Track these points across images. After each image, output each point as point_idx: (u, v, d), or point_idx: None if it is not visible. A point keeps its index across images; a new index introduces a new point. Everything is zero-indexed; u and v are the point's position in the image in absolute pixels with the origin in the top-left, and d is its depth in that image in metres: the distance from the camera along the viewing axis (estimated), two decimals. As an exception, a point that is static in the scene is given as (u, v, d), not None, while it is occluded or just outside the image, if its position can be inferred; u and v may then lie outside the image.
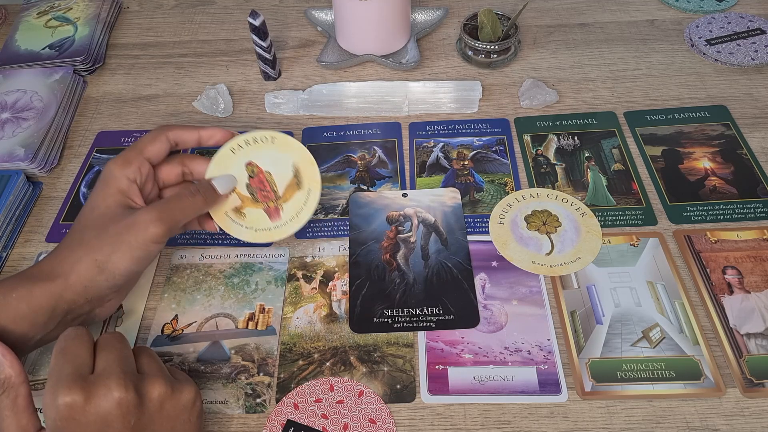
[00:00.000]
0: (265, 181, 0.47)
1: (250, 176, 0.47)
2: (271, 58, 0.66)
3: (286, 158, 0.47)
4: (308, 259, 0.52)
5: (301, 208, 0.47)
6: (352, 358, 0.46)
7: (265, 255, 0.52)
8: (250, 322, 0.48)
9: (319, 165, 0.59)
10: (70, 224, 0.55)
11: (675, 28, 0.71)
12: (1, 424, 0.35)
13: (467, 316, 0.47)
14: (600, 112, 0.62)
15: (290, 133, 0.62)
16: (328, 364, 0.45)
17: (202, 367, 0.46)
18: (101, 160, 0.61)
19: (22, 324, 0.39)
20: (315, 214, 0.53)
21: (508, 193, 0.55)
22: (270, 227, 0.47)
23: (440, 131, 0.61)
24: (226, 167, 0.47)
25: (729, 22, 0.69)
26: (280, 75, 0.69)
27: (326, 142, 0.61)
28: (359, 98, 0.64)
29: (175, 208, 0.43)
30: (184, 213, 0.43)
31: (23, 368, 0.36)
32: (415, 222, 0.53)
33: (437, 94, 0.63)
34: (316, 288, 0.50)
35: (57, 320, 0.40)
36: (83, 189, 0.58)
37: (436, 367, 0.45)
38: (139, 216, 0.41)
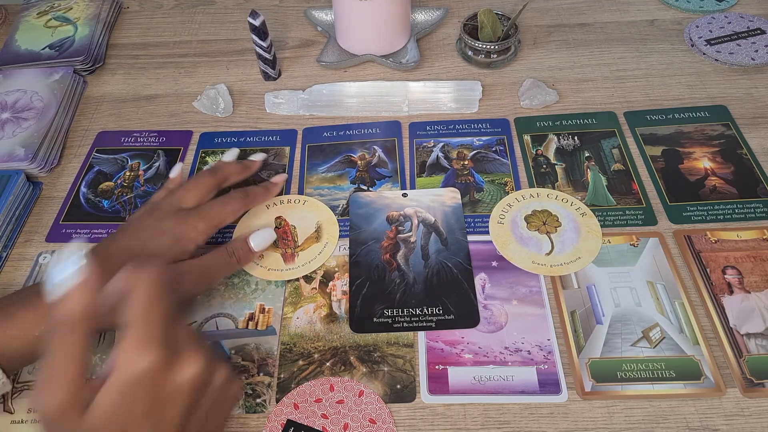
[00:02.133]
0: (289, 232, 0.53)
1: (276, 227, 0.54)
2: (271, 58, 0.66)
3: (313, 216, 0.54)
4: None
5: (314, 257, 0.52)
6: (352, 358, 0.46)
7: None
8: (250, 322, 0.48)
9: (319, 165, 0.59)
10: (71, 224, 0.55)
11: (675, 28, 0.71)
12: (55, 360, 0.31)
13: (467, 316, 0.47)
14: (600, 112, 0.62)
15: (293, 132, 0.62)
16: (328, 364, 0.45)
17: (202, 367, 0.46)
18: (101, 160, 0.61)
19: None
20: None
21: (508, 193, 0.55)
22: (283, 269, 0.51)
23: (440, 131, 0.61)
24: (258, 217, 0.54)
25: (729, 22, 0.69)
26: (280, 75, 0.69)
27: (326, 142, 0.61)
28: (359, 98, 0.64)
29: (211, 268, 0.46)
30: (219, 273, 0.47)
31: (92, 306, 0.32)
32: (415, 222, 0.53)
33: (437, 94, 0.63)
34: (316, 288, 0.50)
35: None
36: (83, 189, 0.58)
37: (436, 367, 0.45)
38: (177, 269, 0.43)
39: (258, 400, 0.44)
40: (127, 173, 0.59)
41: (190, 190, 0.50)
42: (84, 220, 0.56)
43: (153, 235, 0.45)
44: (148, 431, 0.31)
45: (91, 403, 0.31)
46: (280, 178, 0.56)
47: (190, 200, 0.49)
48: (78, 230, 0.55)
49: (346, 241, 0.53)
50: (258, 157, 0.57)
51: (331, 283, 0.50)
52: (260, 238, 0.49)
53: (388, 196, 0.55)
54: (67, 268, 0.31)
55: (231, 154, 0.55)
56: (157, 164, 0.60)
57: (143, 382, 0.31)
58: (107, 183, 0.59)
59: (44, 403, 0.30)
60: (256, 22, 0.62)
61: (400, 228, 0.53)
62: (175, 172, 0.53)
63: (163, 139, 0.62)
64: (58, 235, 0.55)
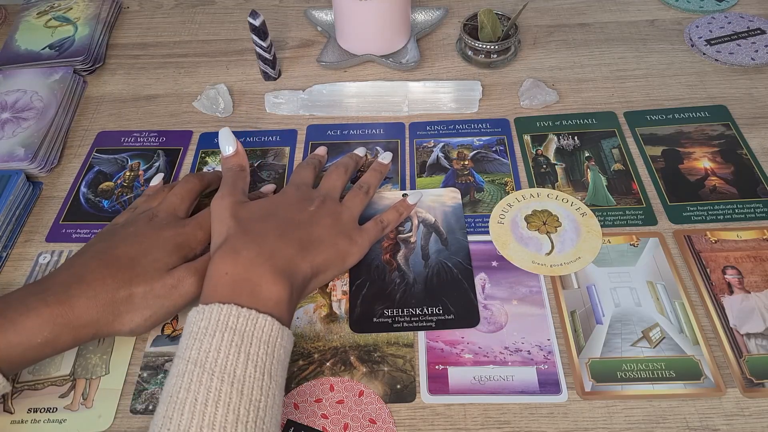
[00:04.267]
0: None
1: None
2: (271, 58, 0.66)
3: None
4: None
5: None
6: (352, 358, 0.46)
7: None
8: (250, 322, 0.48)
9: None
10: (71, 224, 0.55)
11: (675, 28, 0.71)
12: (235, 182, 0.50)
13: (467, 316, 0.47)
14: (600, 112, 0.62)
15: (293, 132, 0.62)
16: (328, 364, 0.45)
17: (202, 367, 0.46)
18: (101, 160, 0.61)
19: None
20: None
21: (508, 193, 0.55)
22: None
23: (440, 131, 0.61)
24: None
25: (729, 22, 0.69)
26: (280, 75, 0.69)
27: (330, 141, 0.61)
28: (359, 98, 0.64)
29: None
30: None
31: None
32: (416, 222, 0.53)
33: (437, 94, 0.63)
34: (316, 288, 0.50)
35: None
36: (83, 189, 0.58)
37: (436, 367, 0.45)
38: (178, 274, 0.44)
39: (258, 400, 0.44)
40: (127, 173, 0.59)
41: (181, 197, 0.50)
42: (84, 220, 0.56)
43: (155, 244, 0.45)
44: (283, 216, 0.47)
45: (249, 203, 0.48)
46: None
47: (183, 207, 0.50)
48: (78, 230, 0.55)
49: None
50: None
51: (331, 283, 0.50)
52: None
53: (388, 197, 0.55)
54: (229, 141, 0.52)
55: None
56: (157, 164, 0.60)
57: (287, 188, 0.51)
58: (107, 183, 0.59)
59: (221, 202, 0.47)
60: (256, 22, 0.62)
61: (400, 228, 0.53)
62: (156, 181, 0.55)
63: (163, 139, 0.62)
64: (58, 235, 0.55)
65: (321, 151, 0.58)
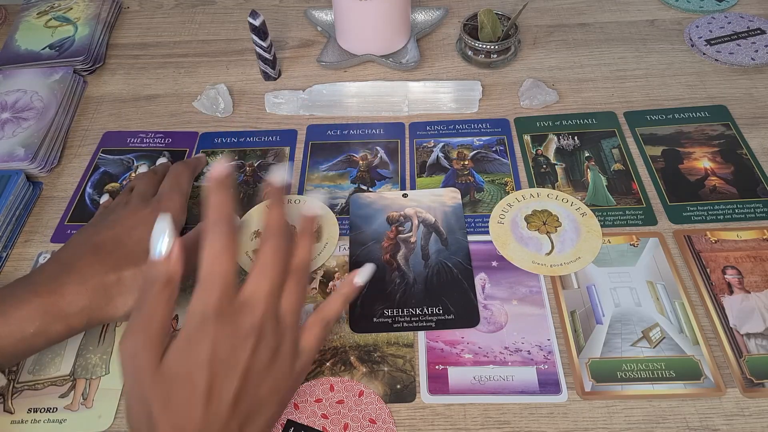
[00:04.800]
0: None
1: None
2: (271, 58, 0.66)
3: None
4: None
5: (314, 257, 0.51)
6: (352, 358, 0.46)
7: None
8: (250, 322, 0.48)
9: (321, 163, 0.59)
10: (76, 225, 0.55)
11: (675, 28, 0.71)
12: (145, 309, 0.35)
13: (467, 316, 0.47)
14: (600, 112, 0.62)
15: (293, 132, 0.62)
16: (328, 364, 0.45)
17: (202, 367, 0.46)
18: (107, 160, 0.61)
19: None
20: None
21: (508, 193, 0.55)
22: None
23: (440, 131, 0.61)
24: (257, 218, 0.53)
25: (729, 22, 0.69)
26: (280, 75, 0.69)
27: (329, 141, 0.61)
28: (359, 98, 0.64)
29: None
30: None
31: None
32: (416, 222, 0.53)
33: (437, 94, 0.63)
34: (316, 288, 0.50)
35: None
36: (89, 189, 0.58)
37: (436, 367, 0.45)
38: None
39: (258, 400, 0.44)
40: (133, 174, 0.59)
41: (144, 179, 0.51)
42: (86, 219, 0.56)
43: (136, 224, 0.45)
44: (212, 377, 0.34)
45: (168, 349, 0.35)
46: (201, 156, 0.58)
47: (150, 188, 0.50)
48: (80, 230, 0.55)
49: (346, 241, 0.53)
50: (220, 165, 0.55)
51: (331, 283, 0.50)
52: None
53: (388, 197, 0.55)
54: (162, 239, 0.37)
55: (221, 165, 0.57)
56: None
57: (208, 324, 0.35)
58: (113, 184, 0.59)
59: (130, 346, 0.35)
60: (256, 22, 0.62)
61: (400, 228, 0.53)
62: (105, 198, 0.56)
63: (169, 141, 0.62)
64: (63, 237, 0.54)
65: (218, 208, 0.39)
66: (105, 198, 0.56)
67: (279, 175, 0.40)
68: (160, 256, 0.36)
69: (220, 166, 0.38)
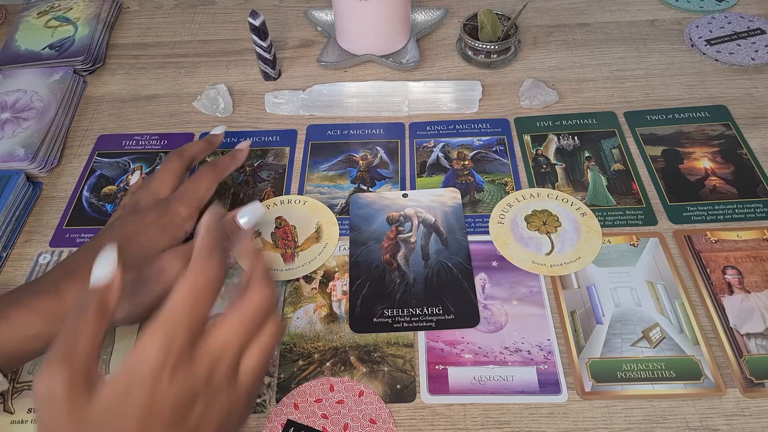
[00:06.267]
0: (289, 232, 0.53)
1: (276, 227, 0.54)
2: (271, 58, 0.66)
3: (313, 218, 0.54)
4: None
5: (314, 257, 0.51)
6: (352, 358, 0.46)
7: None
8: (250, 322, 0.48)
9: (321, 163, 0.59)
10: (75, 229, 0.55)
11: (675, 28, 0.71)
12: (68, 335, 0.30)
13: (467, 316, 0.47)
14: (600, 112, 0.62)
15: (293, 132, 0.62)
16: (328, 364, 0.45)
17: (202, 367, 0.46)
18: (103, 164, 0.61)
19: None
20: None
21: (508, 193, 0.55)
22: (282, 269, 0.51)
23: (440, 131, 0.61)
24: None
25: (729, 22, 0.69)
26: (280, 75, 0.69)
27: (329, 141, 0.61)
28: (359, 98, 0.64)
29: None
30: None
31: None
32: (416, 222, 0.53)
33: (437, 94, 0.63)
34: (316, 288, 0.50)
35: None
36: (86, 193, 0.58)
37: (436, 367, 0.45)
38: (165, 259, 0.43)
39: (258, 400, 0.44)
40: (130, 177, 0.59)
41: (161, 179, 0.49)
42: (88, 224, 0.55)
43: (139, 231, 0.45)
44: None
45: (97, 392, 0.29)
46: (244, 144, 0.54)
47: (165, 189, 0.48)
48: (82, 234, 0.55)
49: (346, 241, 0.53)
50: (219, 130, 0.55)
51: (331, 283, 0.50)
52: (248, 214, 0.42)
53: (388, 197, 0.55)
54: (104, 264, 0.33)
55: (219, 129, 0.56)
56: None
57: (158, 376, 0.29)
58: (110, 187, 0.59)
59: (48, 381, 0.28)
60: (256, 22, 0.62)
61: (400, 228, 0.53)
62: (135, 179, 0.54)
63: (164, 142, 0.62)
64: (62, 240, 0.54)
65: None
66: (136, 177, 0.55)
67: (251, 216, 0.41)
68: (98, 282, 0.32)
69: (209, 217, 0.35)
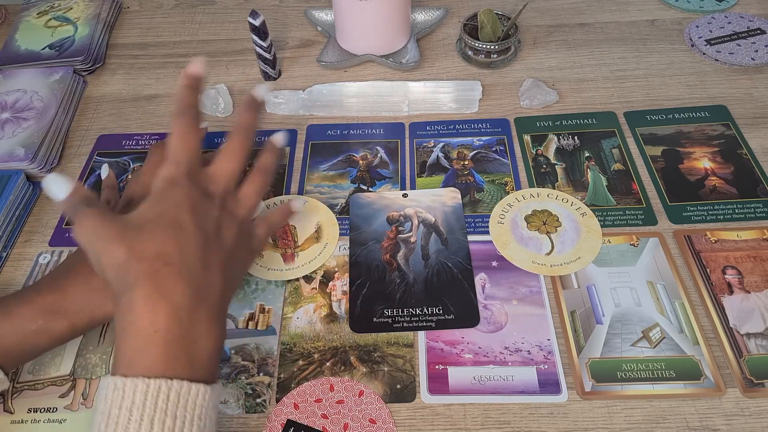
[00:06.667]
0: (289, 232, 0.53)
1: None
2: (271, 58, 0.66)
3: (313, 218, 0.54)
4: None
5: (314, 257, 0.51)
6: (352, 358, 0.46)
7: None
8: (250, 322, 0.48)
9: (321, 163, 0.59)
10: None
11: (675, 28, 0.71)
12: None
13: (467, 316, 0.47)
14: (600, 112, 0.62)
15: (293, 132, 0.62)
16: (328, 364, 0.45)
17: (202, 367, 0.46)
18: (102, 163, 0.61)
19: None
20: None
21: (508, 193, 0.55)
22: (283, 269, 0.51)
23: (440, 131, 0.61)
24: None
25: (729, 22, 0.69)
26: (280, 75, 0.69)
27: (329, 140, 0.61)
28: (359, 98, 0.64)
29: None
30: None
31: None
32: (416, 222, 0.53)
33: (437, 94, 0.63)
34: (316, 288, 0.50)
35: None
36: (85, 192, 0.58)
37: (436, 367, 0.45)
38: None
39: (258, 400, 0.44)
40: (129, 177, 0.59)
41: (151, 172, 0.44)
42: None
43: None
44: (193, 211, 0.38)
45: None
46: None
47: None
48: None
49: (346, 241, 0.53)
50: (201, 125, 0.46)
51: (331, 283, 0.50)
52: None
53: (388, 197, 0.55)
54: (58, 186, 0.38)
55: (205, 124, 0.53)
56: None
57: (178, 184, 0.39)
58: None
59: (87, 219, 0.37)
60: (256, 22, 0.62)
61: (400, 228, 0.53)
62: (105, 173, 0.52)
63: (163, 141, 0.62)
64: (62, 240, 0.54)
65: (193, 70, 0.45)
66: (106, 171, 0.53)
67: (261, 90, 0.47)
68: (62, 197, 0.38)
69: (194, 66, 0.44)
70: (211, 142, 0.62)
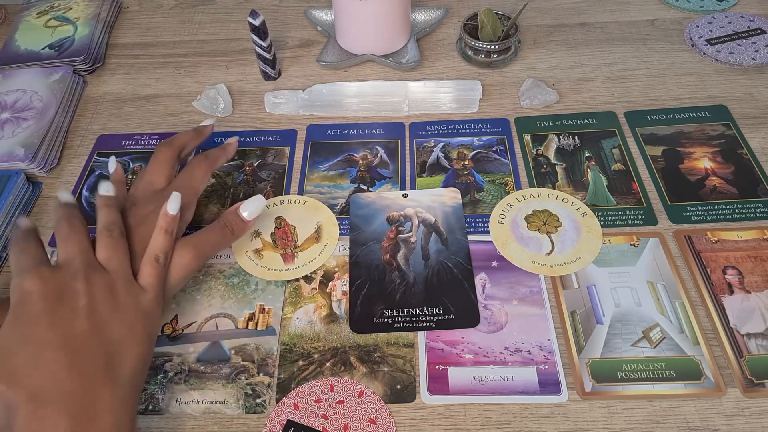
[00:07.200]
0: (289, 232, 0.53)
1: (276, 227, 0.54)
2: (271, 58, 0.66)
3: (312, 218, 0.54)
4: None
5: (314, 258, 0.51)
6: (352, 358, 0.46)
7: (265, 255, 0.52)
8: (250, 323, 0.48)
9: (321, 163, 0.59)
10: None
11: (675, 27, 0.71)
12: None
13: (467, 316, 0.47)
14: (600, 112, 0.62)
15: (293, 132, 0.62)
16: (328, 364, 0.45)
17: (202, 368, 0.46)
18: (102, 164, 0.61)
19: None
20: (315, 214, 0.55)
21: (508, 193, 0.55)
22: (282, 269, 0.51)
23: (440, 131, 0.61)
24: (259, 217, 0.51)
25: (729, 22, 0.69)
26: (280, 75, 0.69)
27: (329, 140, 0.61)
28: (359, 98, 0.64)
29: (206, 242, 0.46)
30: (214, 247, 0.47)
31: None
32: (416, 222, 0.53)
33: (437, 94, 0.63)
34: (316, 288, 0.50)
35: None
36: (85, 193, 0.58)
37: (436, 367, 0.45)
38: (175, 248, 0.44)
39: (258, 401, 0.44)
40: (129, 176, 0.59)
41: (155, 171, 0.49)
42: (87, 224, 0.55)
43: (139, 221, 0.45)
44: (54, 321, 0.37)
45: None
46: (233, 139, 0.54)
47: (159, 179, 0.49)
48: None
49: (346, 241, 0.53)
50: (208, 122, 0.55)
51: (331, 284, 0.50)
52: (252, 207, 0.48)
53: (388, 197, 0.55)
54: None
55: (208, 121, 0.56)
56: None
57: (33, 300, 0.38)
58: None
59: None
60: (256, 22, 0.62)
61: (400, 228, 0.53)
62: (113, 166, 0.52)
63: (163, 141, 0.62)
64: None
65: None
66: (112, 164, 0.51)
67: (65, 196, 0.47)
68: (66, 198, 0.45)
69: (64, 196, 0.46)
70: (212, 142, 0.62)
